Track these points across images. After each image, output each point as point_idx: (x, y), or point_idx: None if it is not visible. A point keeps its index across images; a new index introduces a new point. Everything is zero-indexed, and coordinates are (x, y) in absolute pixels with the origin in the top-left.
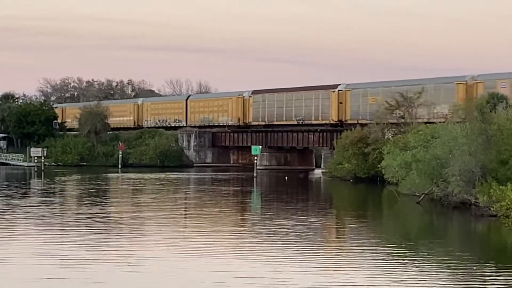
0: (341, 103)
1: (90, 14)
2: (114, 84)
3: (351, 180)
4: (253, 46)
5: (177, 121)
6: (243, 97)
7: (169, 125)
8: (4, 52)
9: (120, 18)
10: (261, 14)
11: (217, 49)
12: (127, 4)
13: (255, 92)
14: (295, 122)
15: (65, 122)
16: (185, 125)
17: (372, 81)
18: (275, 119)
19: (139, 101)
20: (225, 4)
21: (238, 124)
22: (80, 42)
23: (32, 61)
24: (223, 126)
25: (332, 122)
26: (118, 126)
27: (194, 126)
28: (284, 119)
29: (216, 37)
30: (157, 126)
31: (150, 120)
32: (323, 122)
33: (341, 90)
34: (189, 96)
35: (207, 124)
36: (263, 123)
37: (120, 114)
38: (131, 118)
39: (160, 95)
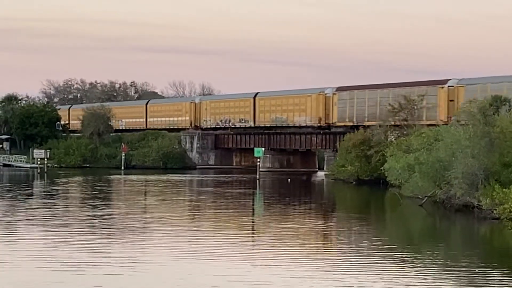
0: (451, 100)
1: (93, 16)
2: (117, 86)
3: (353, 183)
4: (257, 48)
5: (243, 121)
6: (325, 94)
7: (232, 126)
8: (7, 53)
9: (123, 20)
10: (265, 15)
11: (220, 50)
12: (130, 5)
13: (341, 89)
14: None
15: (67, 123)
16: (252, 125)
17: (488, 75)
18: (366, 119)
19: (197, 99)
20: (228, 6)
21: (319, 125)
22: (83, 43)
23: (36, 63)
24: (299, 127)
25: (441, 123)
26: (171, 127)
27: (264, 127)
28: (377, 119)
29: (220, 38)
30: (217, 127)
31: (210, 120)
32: (428, 122)
33: (452, 86)
34: (257, 94)
35: (280, 125)
36: (351, 124)
37: (173, 114)
38: (187, 118)
39: (163, 97)
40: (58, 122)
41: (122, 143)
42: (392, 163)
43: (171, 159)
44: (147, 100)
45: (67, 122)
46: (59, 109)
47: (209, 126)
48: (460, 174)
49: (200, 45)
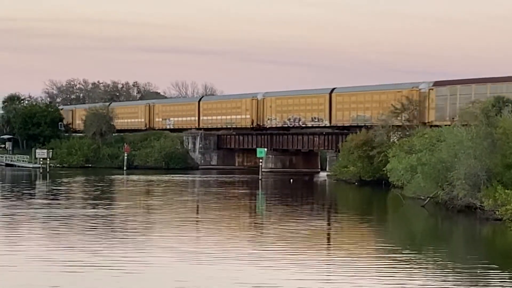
0: None
1: (95, 16)
2: (119, 86)
3: (356, 183)
4: (259, 48)
5: (316, 119)
6: (419, 89)
7: (303, 125)
8: (10, 53)
9: (125, 20)
10: (266, 15)
11: (222, 50)
12: (132, 6)
13: (439, 84)
14: None
15: (69, 124)
16: (328, 124)
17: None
18: None
19: (259, 95)
20: (229, 6)
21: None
22: (86, 43)
23: (38, 63)
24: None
25: None
26: (228, 126)
27: (343, 127)
28: None
29: (221, 39)
30: (285, 126)
31: (276, 119)
32: None
33: None
34: (333, 89)
35: (363, 124)
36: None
37: (231, 112)
38: (247, 116)
39: (166, 97)
40: (60, 122)
41: (125, 143)
42: (395, 164)
43: (173, 159)
44: (200, 97)
45: (77, 121)
46: (61, 109)
47: (274, 126)
48: (462, 175)
49: (202, 45)
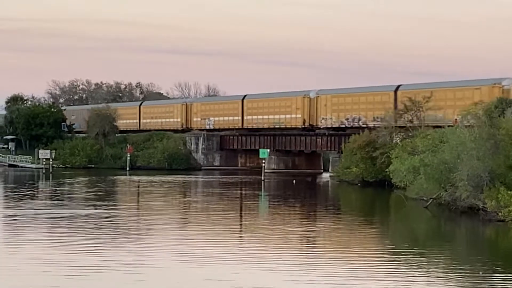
0: None
1: (98, 17)
2: (122, 86)
3: (358, 184)
4: (263, 49)
5: (379, 119)
6: (502, 86)
7: (364, 125)
8: (13, 54)
9: (128, 21)
10: (270, 17)
11: (226, 52)
12: (135, 7)
13: None
14: None
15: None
16: (393, 125)
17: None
18: None
19: (312, 93)
20: (233, 7)
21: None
22: (89, 44)
23: (41, 63)
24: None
25: None
26: (276, 126)
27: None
28: None
29: (225, 40)
30: (342, 126)
31: (332, 119)
32: None
33: None
34: (399, 86)
35: (435, 125)
36: None
37: (279, 111)
38: (298, 115)
39: (169, 98)
40: (63, 123)
41: (128, 144)
42: (397, 165)
43: (176, 160)
44: (244, 95)
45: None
46: (64, 109)
47: (329, 126)
48: (465, 176)
49: (205, 46)
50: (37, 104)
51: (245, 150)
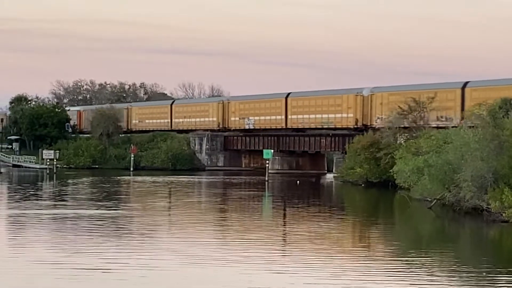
0: None
1: (103, 17)
2: (126, 87)
3: (362, 185)
4: (266, 49)
5: (444, 118)
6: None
7: (426, 125)
8: (17, 54)
9: (132, 21)
10: (273, 17)
11: (229, 52)
12: (139, 7)
13: None
14: None
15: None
16: (457, 123)
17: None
18: None
19: (365, 91)
20: (237, 8)
21: None
22: (93, 44)
23: (45, 64)
24: None
25: None
26: (324, 126)
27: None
28: None
29: (230, 40)
30: (401, 126)
31: (387, 118)
32: None
33: None
34: (467, 83)
35: None
36: None
37: (328, 110)
38: (350, 115)
39: (173, 99)
40: (67, 123)
41: (131, 144)
42: (401, 166)
43: (180, 160)
44: (288, 93)
45: (133, 121)
46: (68, 110)
47: (384, 126)
48: (469, 177)
49: (209, 46)
50: (41, 104)
51: (249, 150)
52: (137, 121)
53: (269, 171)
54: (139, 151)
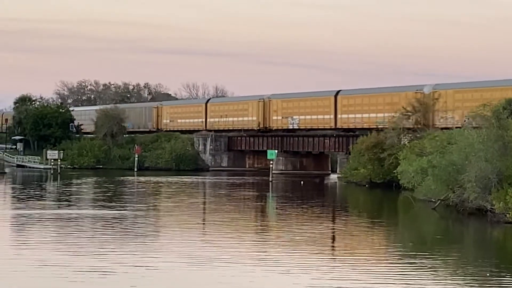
0: None
1: (107, 17)
2: (130, 87)
3: (366, 186)
4: (270, 50)
5: None
6: None
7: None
8: (21, 54)
9: (136, 22)
10: (277, 18)
11: (233, 52)
12: (143, 7)
13: None
14: None
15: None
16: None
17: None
18: None
19: (426, 88)
20: (240, 8)
21: None
22: (97, 45)
23: (49, 64)
24: None
25: None
26: (379, 126)
27: None
28: None
29: (233, 41)
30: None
31: (454, 118)
32: None
33: None
34: None
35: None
36: None
37: (383, 109)
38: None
39: (177, 99)
40: (71, 123)
41: (135, 145)
42: (405, 166)
43: (184, 161)
44: (337, 90)
45: (164, 120)
46: (72, 110)
47: (449, 126)
48: (473, 178)
49: (213, 47)
50: (45, 104)
51: (253, 151)
52: (168, 121)
53: (273, 171)
54: (143, 151)
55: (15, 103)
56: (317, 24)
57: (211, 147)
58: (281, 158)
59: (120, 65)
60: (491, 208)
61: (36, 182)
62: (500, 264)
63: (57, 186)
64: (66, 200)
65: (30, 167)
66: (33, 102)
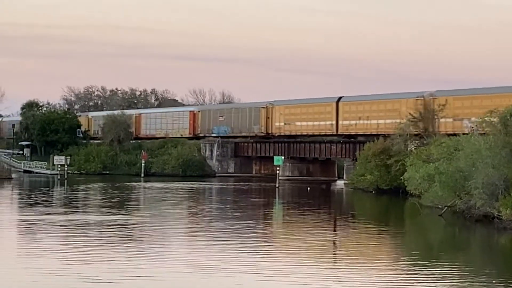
0: None
1: (113, 23)
2: (137, 93)
3: (373, 192)
4: (276, 56)
5: None
6: None
7: None
8: (28, 60)
9: (144, 27)
10: (283, 24)
11: (240, 59)
12: (150, 13)
13: None
14: None
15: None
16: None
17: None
18: None
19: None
20: (248, 15)
21: None
22: (104, 50)
23: (56, 69)
24: None
25: None
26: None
27: None
28: None
29: (240, 47)
30: None
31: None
32: None
33: None
34: None
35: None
36: None
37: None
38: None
39: (183, 104)
40: (78, 129)
41: (142, 151)
42: (412, 173)
43: (191, 166)
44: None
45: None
46: (79, 115)
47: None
48: (480, 184)
49: (219, 53)
50: (52, 110)
51: (259, 157)
52: (282, 124)
53: (280, 177)
54: (150, 157)
55: (22, 108)
56: (324, 29)
57: (217, 153)
58: (287, 164)
59: (127, 71)
60: (498, 214)
61: (43, 188)
62: (507, 271)
63: (64, 192)
64: (73, 206)
65: (37, 173)
66: (40, 108)
